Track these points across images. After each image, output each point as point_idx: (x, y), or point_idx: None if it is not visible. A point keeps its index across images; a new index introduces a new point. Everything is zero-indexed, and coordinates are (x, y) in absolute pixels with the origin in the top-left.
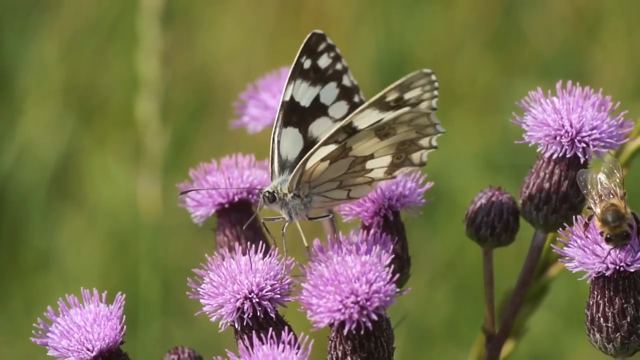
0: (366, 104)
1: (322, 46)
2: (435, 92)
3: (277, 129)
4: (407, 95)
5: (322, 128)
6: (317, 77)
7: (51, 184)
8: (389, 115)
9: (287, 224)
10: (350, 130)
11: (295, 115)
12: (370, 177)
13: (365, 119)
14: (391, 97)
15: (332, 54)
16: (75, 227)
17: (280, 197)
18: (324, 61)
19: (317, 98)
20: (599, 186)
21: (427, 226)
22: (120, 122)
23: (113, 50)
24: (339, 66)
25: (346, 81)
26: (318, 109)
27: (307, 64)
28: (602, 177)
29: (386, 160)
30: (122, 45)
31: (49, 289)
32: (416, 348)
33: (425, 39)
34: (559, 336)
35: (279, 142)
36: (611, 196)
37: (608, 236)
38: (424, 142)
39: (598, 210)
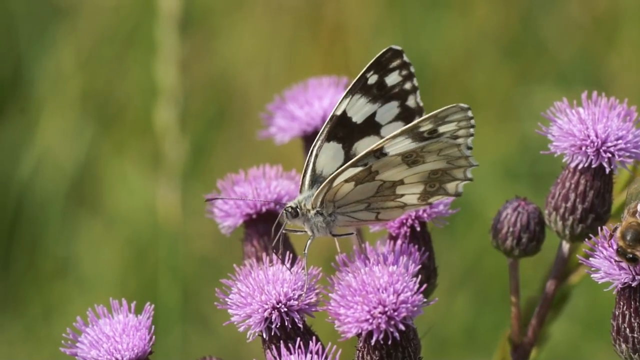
0: (398, 131)
1: (395, 63)
2: (472, 130)
3: (319, 142)
4: (441, 129)
5: (369, 147)
6: (380, 94)
7: (70, 192)
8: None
9: (309, 240)
10: (380, 155)
11: (343, 130)
12: (402, 202)
13: (397, 146)
14: (425, 127)
15: (404, 72)
16: (93, 234)
17: (304, 213)
18: (392, 78)
19: (372, 116)
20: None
21: (445, 234)
22: (138, 129)
23: (131, 58)
24: (407, 85)
25: (411, 102)
26: (370, 127)
27: (372, 79)
28: None
29: (418, 187)
30: (141, 53)
31: (67, 296)
32: (435, 356)
33: (443, 46)
34: (578, 344)
35: (316, 155)
36: None
37: (618, 249)
38: (458, 173)
39: (623, 223)
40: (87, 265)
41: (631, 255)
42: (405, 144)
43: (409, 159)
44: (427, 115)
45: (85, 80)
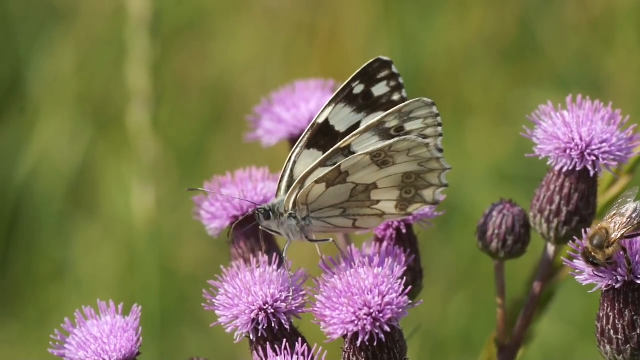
0: (364, 127)
1: (383, 73)
2: (440, 129)
3: (298, 149)
4: (408, 126)
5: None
6: (366, 104)
7: (66, 194)
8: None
9: (287, 244)
10: (347, 153)
11: (325, 138)
12: (380, 210)
13: (365, 144)
14: (391, 124)
15: (392, 83)
16: (90, 236)
17: (277, 216)
18: (380, 89)
19: (356, 125)
20: (619, 211)
21: (442, 237)
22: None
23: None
24: (396, 96)
25: None
26: None
27: (358, 89)
28: (629, 208)
29: (394, 193)
30: None
31: (64, 299)
32: (431, 358)
33: (439, 50)
34: (575, 347)
35: (295, 162)
36: (616, 227)
37: (584, 250)
38: (432, 178)
39: (596, 227)
40: (84, 267)
41: (593, 259)
42: (373, 142)
43: (378, 158)
44: (391, 110)
45: (83, 83)
